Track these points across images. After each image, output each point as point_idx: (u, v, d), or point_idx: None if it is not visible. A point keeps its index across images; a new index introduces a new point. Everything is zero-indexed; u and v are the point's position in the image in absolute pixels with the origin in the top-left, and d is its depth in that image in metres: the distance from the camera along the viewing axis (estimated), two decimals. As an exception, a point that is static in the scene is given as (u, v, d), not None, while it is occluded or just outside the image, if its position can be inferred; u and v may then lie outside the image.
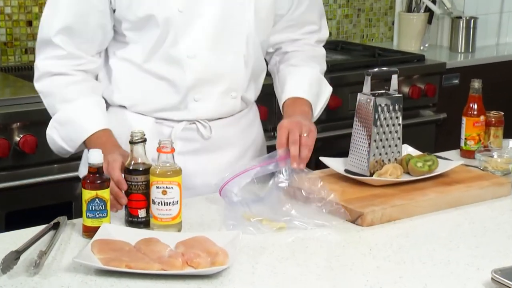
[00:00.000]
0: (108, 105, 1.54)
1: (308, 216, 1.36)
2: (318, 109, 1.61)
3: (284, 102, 1.57)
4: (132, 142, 1.32)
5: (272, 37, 1.61)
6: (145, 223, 1.33)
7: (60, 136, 1.47)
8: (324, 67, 1.68)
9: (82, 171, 1.59)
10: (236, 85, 1.53)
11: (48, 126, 1.49)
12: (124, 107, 1.53)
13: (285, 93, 1.58)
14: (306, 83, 1.58)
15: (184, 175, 1.38)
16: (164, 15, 1.43)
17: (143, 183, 1.32)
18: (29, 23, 2.59)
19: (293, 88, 1.57)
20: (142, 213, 1.32)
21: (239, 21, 1.49)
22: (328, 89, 1.65)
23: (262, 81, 1.62)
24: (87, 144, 1.44)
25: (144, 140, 1.32)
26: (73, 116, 1.45)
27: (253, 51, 1.54)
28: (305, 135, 1.43)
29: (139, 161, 1.32)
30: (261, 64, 1.60)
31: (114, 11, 1.46)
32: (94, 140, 1.42)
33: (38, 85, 1.50)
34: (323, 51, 1.70)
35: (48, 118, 1.51)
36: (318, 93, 1.60)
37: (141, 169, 1.32)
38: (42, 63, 1.48)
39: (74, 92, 1.46)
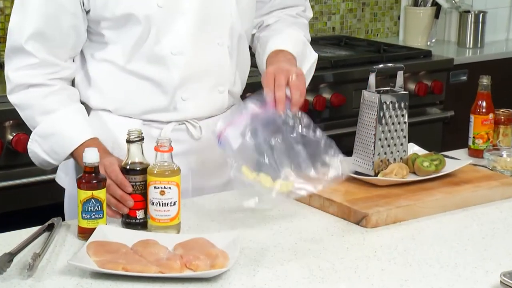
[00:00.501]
0: (89, 109, 1.49)
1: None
2: (304, 70, 1.52)
3: (266, 58, 1.51)
4: (129, 141, 1.29)
5: (255, 20, 1.60)
6: (143, 225, 1.30)
7: (43, 149, 1.43)
8: (308, 36, 1.63)
9: (60, 177, 1.57)
10: (223, 78, 1.50)
11: (29, 140, 1.45)
12: (108, 110, 1.49)
13: (267, 49, 1.52)
14: (291, 41, 1.53)
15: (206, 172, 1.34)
16: (144, 12, 1.40)
17: (141, 183, 1.29)
18: (24, 18, 2.56)
19: (276, 43, 1.52)
20: (140, 214, 1.30)
21: (221, 13, 1.47)
22: (313, 55, 1.59)
23: (247, 74, 1.60)
24: (75, 155, 1.41)
25: (142, 139, 1.29)
26: (56, 128, 1.41)
27: (237, 42, 1.51)
28: (294, 77, 1.37)
29: (137, 160, 1.30)
30: (245, 55, 1.57)
31: (87, 12, 1.42)
32: (81, 150, 1.36)
33: (12, 97, 1.44)
34: (305, 21, 1.66)
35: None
36: (303, 53, 1.56)
37: (138, 168, 1.29)
38: (15, 74, 1.42)
39: (53, 103, 1.42)
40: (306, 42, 1.60)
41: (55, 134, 1.41)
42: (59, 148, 1.42)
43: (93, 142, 1.40)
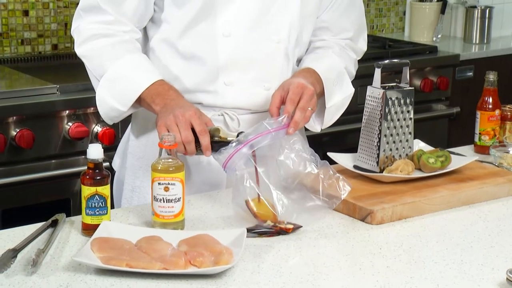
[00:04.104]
0: None
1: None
2: (332, 102, 1.51)
3: (299, 69, 1.51)
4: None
5: None
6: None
7: (111, 94, 1.43)
8: (352, 71, 1.59)
9: (116, 162, 1.61)
10: (271, 76, 1.48)
11: (98, 86, 1.45)
12: None
13: (300, 66, 1.52)
14: (325, 65, 1.51)
15: (210, 169, 1.33)
16: None
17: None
18: (26, 13, 2.56)
19: (311, 64, 1.50)
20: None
21: (283, 10, 1.46)
22: (349, 89, 1.54)
23: None
24: (143, 99, 1.40)
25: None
26: (125, 72, 1.42)
27: (296, 45, 1.49)
28: (310, 109, 1.37)
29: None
30: None
31: None
32: (155, 91, 1.39)
33: (81, 49, 1.46)
34: (354, 56, 1.62)
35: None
36: (336, 83, 1.52)
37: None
38: (88, 27, 1.45)
39: (121, 50, 1.44)
40: (345, 73, 1.55)
41: (124, 77, 1.42)
42: (128, 91, 1.42)
43: (161, 84, 1.40)
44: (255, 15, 1.44)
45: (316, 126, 1.55)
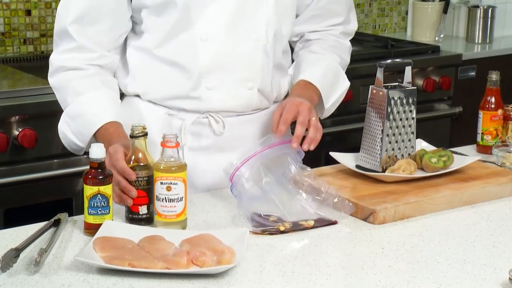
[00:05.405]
0: (123, 96, 1.52)
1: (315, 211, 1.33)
2: (330, 102, 1.56)
3: (295, 83, 1.53)
4: (132, 136, 1.29)
5: (296, 27, 1.58)
6: (146, 220, 1.30)
7: (71, 130, 1.46)
8: (347, 60, 1.64)
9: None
10: (253, 74, 1.48)
11: (60, 120, 1.48)
12: (138, 96, 1.51)
13: (297, 76, 1.54)
14: (321, 71, 1.54)
15: (194, 172, 1.34)
16: None
17: (144, 178, 1.28)
18: (28, 13, 2.56)
19: (307, 72, 1.53)
20: (143, 209, 1.29)
21: (258, 8, 1.46)
22: (345, 84, 1.60)
23: (288, 80, 1.57)
24: (97, 138, 1.42)
25: (145, 134, 1.29)
26: (82, 110, 1.44)
27: (275, 42, 1.49)
28: (314, 118, 1.39)
29: (140, 156, 1.29)
30: (286, 59, 1.56)
31: (131, 0, 1.45)
32: (102, 133, 1.40)
33: (52, 80, 1.49)
34: (348, 43, 1.65)
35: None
36: (333, 84, 1.56)
37: (142, 164, 1.28)
38: (57, 57, 1.48)
39: (85, 85, 1.45)
40: (340, 70, 1.59)
41: (81, 115, 1.43)
42: (84, 129, 1.43)
43: (112, 125, 1.41)
44: (231, 16, 1.43)
45: None
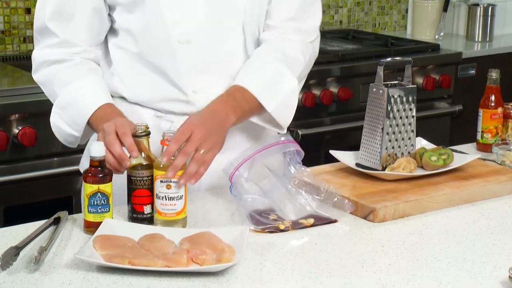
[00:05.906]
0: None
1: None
2: (271, 106, 1.41)
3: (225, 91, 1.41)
4: (135, 136, 1.28)
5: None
6: (150, 220, 1.30)
7: (64, 121, 1.43)
8: (297, 56, 1.46)
9: (84, 165, 1.55)
10: (236, 73, 1.45)
11: (51, 113, 1.46)
12: (125, 98, 1.49)
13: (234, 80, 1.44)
14: (256, 75, 1.42)
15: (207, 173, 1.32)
16: None
17: (148, 178, 1.28)
18: (28, 11, 2.56)
19: (240, 77, 1.41)
20: (148, 209, 1.29)
21: (233, 6, 1.44)
22: (288, 86, 1.42)
23: None
24: (91, 123, 1.39)
25: (148, 134, 1.29)
26: (73, 98, 1.41)
27: (252, 37, 1.46)
28: (202, 151, 1.27)
29: (143, 155, 1.29)
30: None
31: None
32: (99, 115, 1.37)
33: (36, 76, 1.47)
34: (299, 37, 1.48)
35: (48, 108, 1.48)
36: (271, 87, 1.41)
37: (145, 163, 1.28)
38: (39, 52, 1.46)
39: (71, 74, 1.43)
40: (281, 72, 1.43)
41: (72, 103, 1.41)
42: (77, 117, 1.41)
43: (109, 106, 1.39)
44: (208, 16, 1.41)
45: (275, 129, 1.48)
